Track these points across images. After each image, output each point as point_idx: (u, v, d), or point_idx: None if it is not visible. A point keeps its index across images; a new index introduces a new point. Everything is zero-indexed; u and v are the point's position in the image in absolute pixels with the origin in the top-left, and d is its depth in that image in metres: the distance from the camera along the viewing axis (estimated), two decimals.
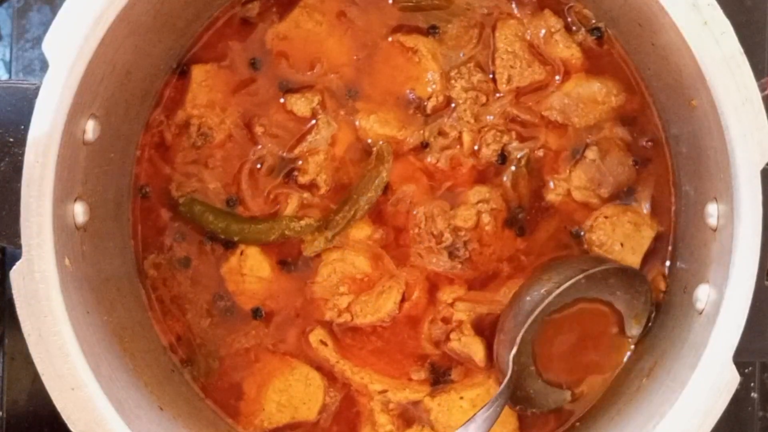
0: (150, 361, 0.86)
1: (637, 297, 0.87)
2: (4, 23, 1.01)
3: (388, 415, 0.89)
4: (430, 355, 0.90)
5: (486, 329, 0.89)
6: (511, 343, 0.83)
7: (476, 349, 0.88)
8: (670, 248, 0.90)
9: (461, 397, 0.88)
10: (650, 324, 0.89)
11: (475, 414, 0.79)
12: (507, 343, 0.84)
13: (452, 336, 0.89)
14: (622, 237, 0.88)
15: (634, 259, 0.88)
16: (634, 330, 0.88)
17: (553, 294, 0.83)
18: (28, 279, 0.71)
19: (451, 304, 0.89)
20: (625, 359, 0.88)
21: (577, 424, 0.89)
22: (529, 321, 0.83)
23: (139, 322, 0.88)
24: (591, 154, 0.89)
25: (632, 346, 0.88)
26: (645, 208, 0.90)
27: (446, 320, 0.89)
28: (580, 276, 0.83)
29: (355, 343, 0.90)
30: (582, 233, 0.89)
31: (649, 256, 0.89)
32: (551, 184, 0.89)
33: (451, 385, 0.89)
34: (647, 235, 0.88)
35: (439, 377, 0.89)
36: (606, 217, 0.89)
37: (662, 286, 0.89)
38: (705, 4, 0.72)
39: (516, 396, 0.85)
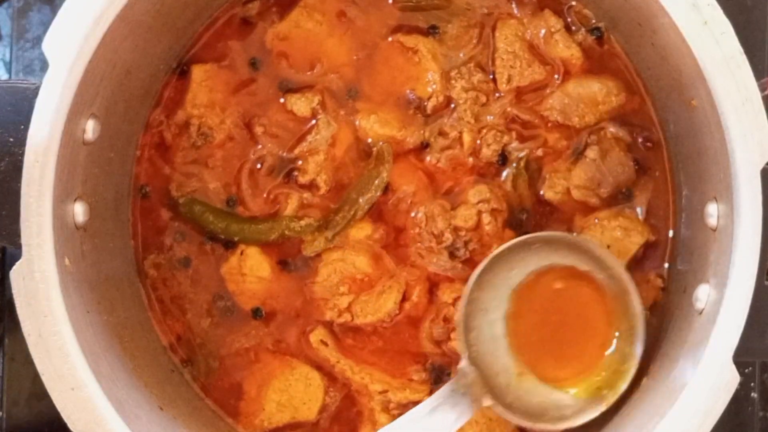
0: (150, 361, 0.86)
1: (607, 271, 0.83)
2: (4, 23, 1.01)
3: (388, 414, 0.89)
4: (430, 354, 0.90)
5: None
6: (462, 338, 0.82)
7: None
8: (669, 249, 0.90)
9: None
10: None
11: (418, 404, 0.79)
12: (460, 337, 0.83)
13: (452, 336, 0.89)
14: (609, 240, 0.88)
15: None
16: (632, 308, 0.83)
17: (474, 275, 0.82)
18: (28, 279, 0.71)
19: (452, 304, 0.89)
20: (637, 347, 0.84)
21: None
22: (463, 314, 0.82)
23: (139, 322, 0.88)
24: (591, 153, 0.89)
25: (639, 329, 0.83)
26: (642, 210, 0.90)
27: (447, 320, 0.89)
28: (500, 249, 0.82)
29: (356, 343, 0.90)
30: (573, 234, 0.89)
31: (641, 262, 0.89)
32: (550, 183, 0.89)
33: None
34: (636, 241, 0.88)
35: (440, 376, 0.89)
36: (597, 220, 0.89)
37: (660, 288, 0.89)
38: (705, 4, 0.72)
39: (516, 407, 0.83)
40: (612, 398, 0.83)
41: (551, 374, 0.84)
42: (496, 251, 0.83)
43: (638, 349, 0.83)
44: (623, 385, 0.83)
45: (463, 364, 0.82)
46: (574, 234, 0.88)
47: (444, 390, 0.80)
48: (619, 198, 0.90)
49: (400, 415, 0.88)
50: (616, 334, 0.84)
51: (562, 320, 0.84)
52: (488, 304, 0.84)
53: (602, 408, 0.82)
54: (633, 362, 0.83)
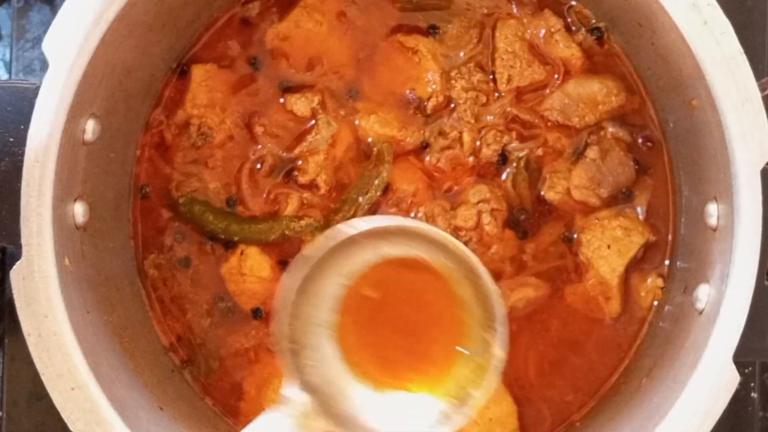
0: (150, 361, 0.86)
1: (445, 250, 0.71)
2: (4, 23, 1.01)
3: None
4: None
5: None
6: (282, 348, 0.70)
7: None
8: (669, 249, 0.90)
9: None
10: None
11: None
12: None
13: None
14: (610, 240, 0.88)
15: (619, 262, 0.88)
16: (482, 287, 0.71)
17: (310, 258, 0.69)
18: (28, 279, 0.71)
19: None
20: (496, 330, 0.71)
21: (578, 423, 0.89)
22: (292, 294, 0.69)
23: (139, 322, 0.88)
24: (591, 153, 0.89)
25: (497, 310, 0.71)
26: (642, 210, 0.90)
27: None
28: (339, 239, 0.69)
29: None
30: (573, 237, 0.89)
31: (641, 262, 0.89)
32: (550, 183, 0.89)
33: None
34: (636, 241, 0.88)
35: None
36: (598, 219, 0.89)
37: (660, 288, 0.89)
38: (705, 4, 0.72)
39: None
40: (480, 396, 0.70)
41: (408, 382, 0.72)
42: (313, 253, 0.70)
43: (500, 336, 0.70)
44: (489, 380, 0.70)
45: (291, 390, 0.69)
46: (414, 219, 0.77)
47: (264, 420, 0.69)
48: (619, 198, 0.90)
49: None
50: (471, 322, 0.71)
51: (408, 320, 0.72)
52: (320, 318, 0.71)
53: (470, 410, 0.70)
54: (496, 351, 0.70)
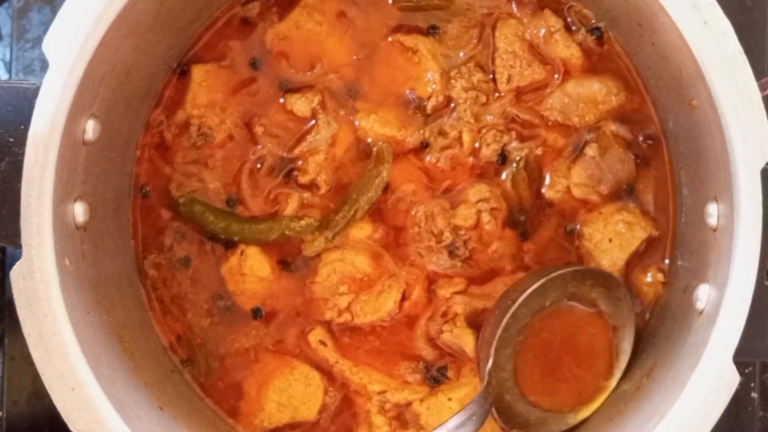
0: (150, 361, 0.86)
1: (618, 305, 0.85)
2: (4, 23, 1.01)
3: (384, 417, 0.89)
4: (424, 354, 0.89)
5: (480, 323, 0.89)
6: (488, 355, 0.82)
7: (467, 340, 0.88)
8: (670, 248, 0.90)
9: (449, 398, 0.88)
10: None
11: (447, 420, 0.79)
12: (485, 355, 0.83)
13: (444, 328, 0.89)
14: (612, 234, 0.88)
15: (619, 256, 0.88)
16: (625, 343, 0.86)
17: (518, 302, 0.81)
18: (28, 279, 0.71)
19: (450, 299, 0.89)
20: (616, 378, 0.86)
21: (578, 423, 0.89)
22: (500, 330, 0.81)
23: (139, 322, 0.88)
24: (590, 151, 0.89)
25: (623, 363, 0.86)
26: (643, 207, 0.90)
27: (444, 315, 0.89)
28: (543, 279, 0.82)
29: (352, 342, 0.90)
30: (576, 228, 0.89)
31: (643, 257, 0.89)
32: (551, 182, 0.89)
33: (439, 386, 0.89)
34: (638, 236, 0.88)
35: (436, 377, 0.89)
36: (600, 213, 0.89)
37: (661, 283, 0.89)
38: (705, 4, 0.72)
39: (512, 421, 0.85)
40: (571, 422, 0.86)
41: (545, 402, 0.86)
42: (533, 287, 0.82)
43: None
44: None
45: (489, 370, 0.82)
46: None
47: (482, 393, 0.82)
48: (620, 195, 0.90)
49: (396, 416, 0.89)
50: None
51: (571, 357, 0.86)
52: (512, 339, 0.83)
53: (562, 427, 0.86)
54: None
